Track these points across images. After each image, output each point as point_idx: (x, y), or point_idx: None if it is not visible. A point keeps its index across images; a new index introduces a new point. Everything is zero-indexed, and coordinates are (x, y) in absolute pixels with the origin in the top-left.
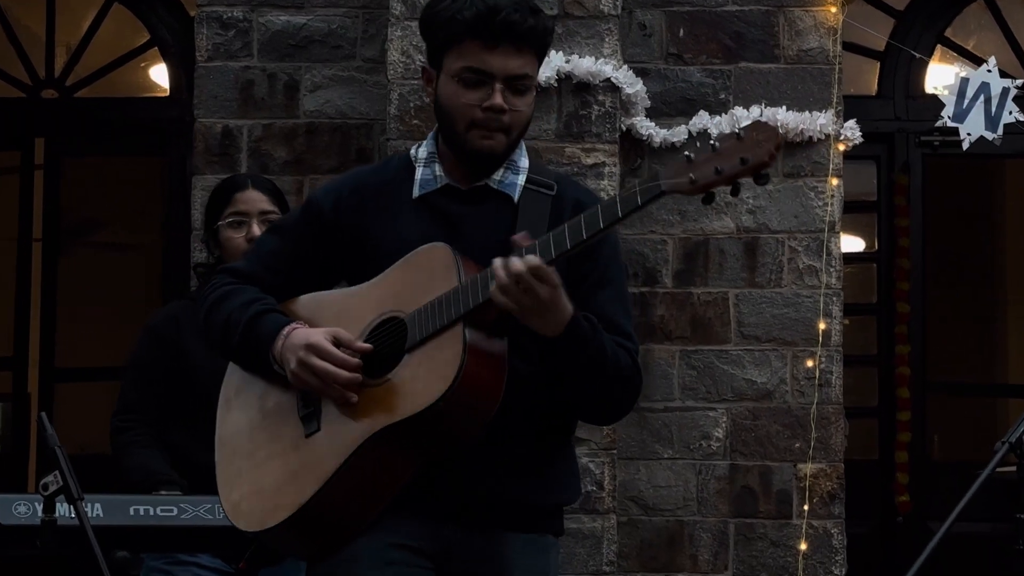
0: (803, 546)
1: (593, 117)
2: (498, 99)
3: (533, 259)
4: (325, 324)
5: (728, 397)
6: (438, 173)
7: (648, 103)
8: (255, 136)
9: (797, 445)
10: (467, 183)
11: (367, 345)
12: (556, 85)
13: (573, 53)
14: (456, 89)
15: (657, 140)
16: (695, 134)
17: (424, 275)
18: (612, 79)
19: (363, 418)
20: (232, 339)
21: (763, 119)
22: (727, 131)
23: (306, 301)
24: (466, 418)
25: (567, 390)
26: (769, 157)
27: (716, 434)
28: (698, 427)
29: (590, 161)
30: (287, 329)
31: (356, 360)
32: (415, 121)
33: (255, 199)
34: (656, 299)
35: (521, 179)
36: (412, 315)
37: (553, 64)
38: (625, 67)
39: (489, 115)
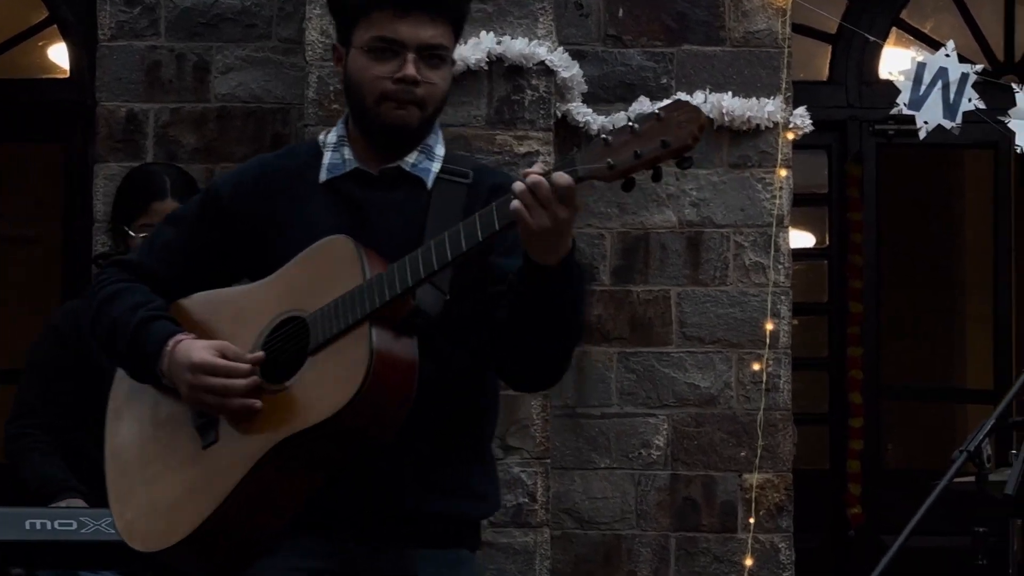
0: (749, 561)
1: (526, 103)
2: (410, 69)
3: (562, 176)
4: (222, 326)
5: (669, 402)
6: (347, 157)
7: (585, 88)
8: (162, 121)
9: (743, 454)
10: (378, 167)
11: (259, 354)
12: (487, 68)
13: (505, 34)
14: (366, 62)
15: (594, 127)
16: None
17: (325, 271)
18: (546, 62)
19: (264, 427)
20: (119, 347)
21: (691, 101)
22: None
23: (201, 301)
24: (375, 425)
25: (524, 340)
26: (692, 139)
27: (656, 442)
28: (637, 434)
29: (523, 149)
30: (171, 342)
31: (247, 366)
32: (335, 106)
33: None
34: (593, 297)
35: (436, 166)
36: (314, 315)
37: (483, 46)
38: (560, 49)
39: (401, 87)
